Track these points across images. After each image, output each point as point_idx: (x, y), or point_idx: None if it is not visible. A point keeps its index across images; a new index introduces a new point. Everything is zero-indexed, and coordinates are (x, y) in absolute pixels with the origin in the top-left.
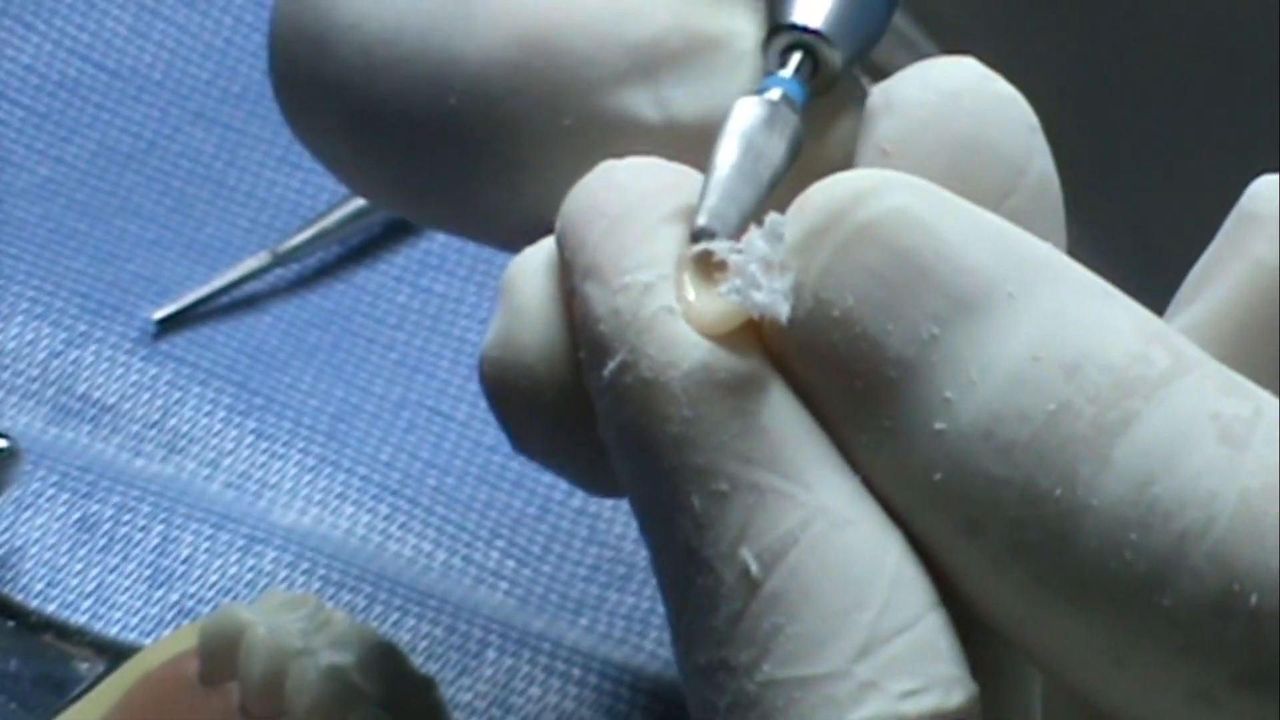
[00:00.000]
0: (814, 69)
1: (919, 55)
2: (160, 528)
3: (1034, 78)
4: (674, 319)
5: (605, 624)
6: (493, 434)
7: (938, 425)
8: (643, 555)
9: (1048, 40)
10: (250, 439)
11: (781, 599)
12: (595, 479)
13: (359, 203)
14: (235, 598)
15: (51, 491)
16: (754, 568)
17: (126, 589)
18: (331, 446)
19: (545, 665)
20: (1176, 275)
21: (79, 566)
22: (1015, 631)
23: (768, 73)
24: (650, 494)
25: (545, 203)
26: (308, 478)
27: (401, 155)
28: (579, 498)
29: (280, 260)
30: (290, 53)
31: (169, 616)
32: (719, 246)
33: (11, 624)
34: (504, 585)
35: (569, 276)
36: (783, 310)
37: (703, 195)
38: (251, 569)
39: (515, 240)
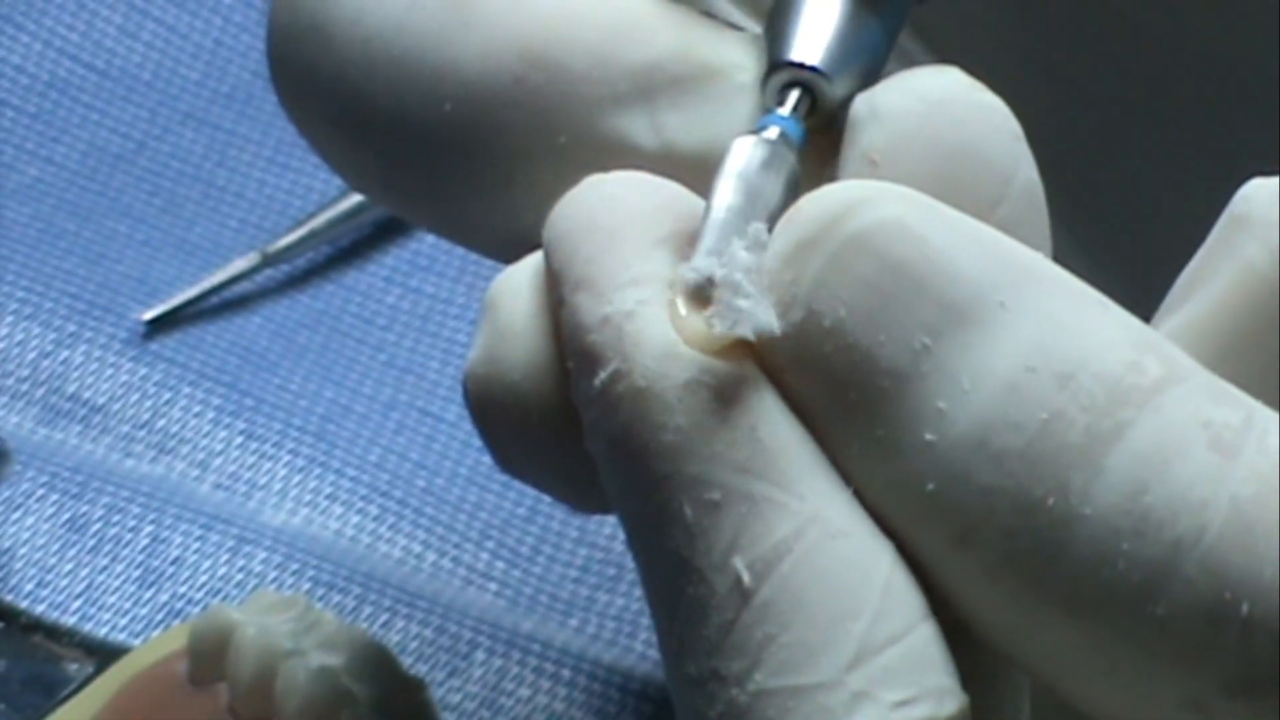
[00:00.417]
0: (812, 106)
1: (910, 62)
2: (150, 528)
3: (1023, 85)
4: (668, 328)
5: (595, 625)
6: None
7: (930, 435)
8: None
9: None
10: (240, 440)
11: (774, 608)
12: (580, 495)
13: (349, 203)
14: (225, 598)
15: (41, 492)
16: (746, 577)
17: (116, 589)
18: (321, 447)
19: (535, 666)
20: (1164, 281)
21: (68, 567)
22: (1007, 641)
23: (766, 110)
24: (640, 504)
25: (532, 217)
26: (297, 478)
27: (392, 154)
28: None
29: (270, 261)
30: (289, 40)
31: (159, 617)
32: (703, 265)
33: (1, 625)
34: (493, 586)
35: (557, 287)
36: (765, 326)
37: (700, 237)
38: (241, 570)
39: (499, 250)
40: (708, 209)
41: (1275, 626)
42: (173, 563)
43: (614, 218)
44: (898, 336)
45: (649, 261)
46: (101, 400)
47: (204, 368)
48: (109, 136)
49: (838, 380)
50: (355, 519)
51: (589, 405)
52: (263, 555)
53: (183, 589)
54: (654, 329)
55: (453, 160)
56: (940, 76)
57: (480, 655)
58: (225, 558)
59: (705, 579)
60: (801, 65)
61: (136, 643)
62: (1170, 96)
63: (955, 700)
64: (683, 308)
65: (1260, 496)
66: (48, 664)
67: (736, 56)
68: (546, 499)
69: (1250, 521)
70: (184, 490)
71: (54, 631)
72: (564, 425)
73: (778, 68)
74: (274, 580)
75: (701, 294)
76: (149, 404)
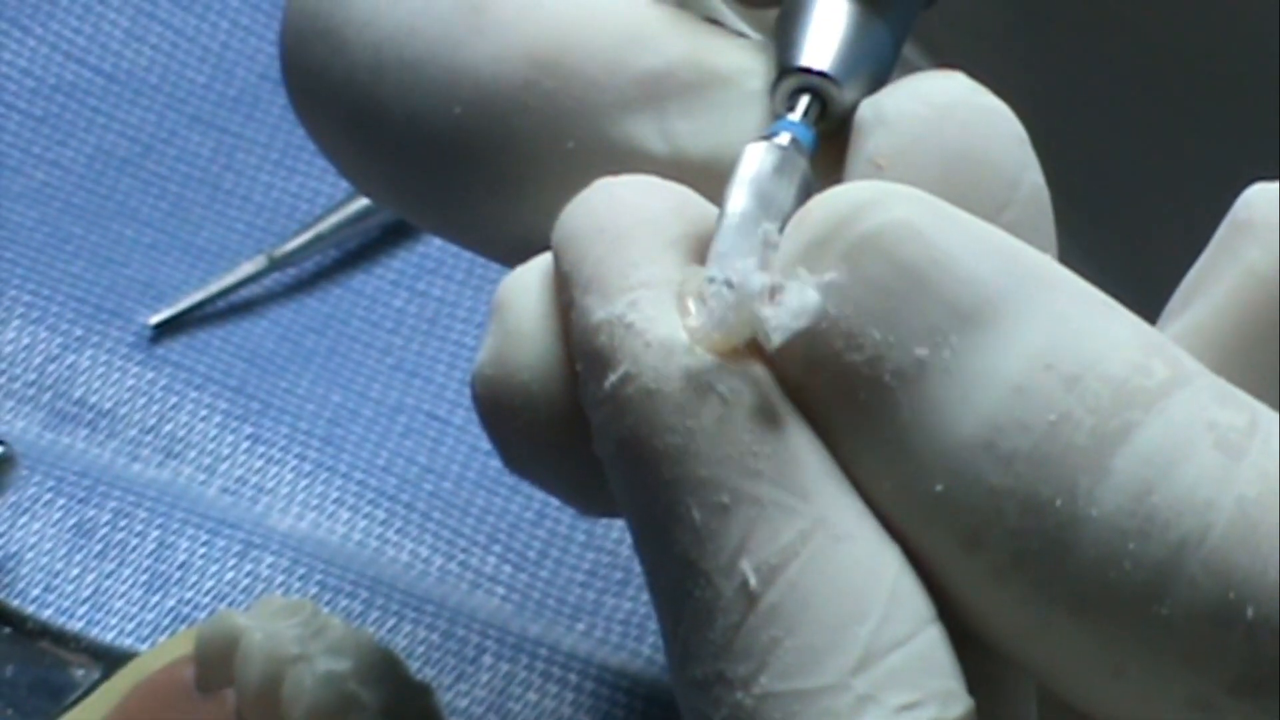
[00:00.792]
0: (822, 111)
1: (912, 69)
2: (157, 533)
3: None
4: (677, 331)
5: (603, 629)
6: None
7: (939, 436)
8: None
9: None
10: (247, 444)
11: (780, 612)
12: (588, 497)
13: (356, 207)
14: (232, 603)
15: (48, 497)
16: (753, 580)
17: (123, 594)
18: (328, 451)
19: (542, 670)
20: (1167, 286)
21: (75, 572)
22: (1013, 644)
23: (776, 116)
24: (648, 507)
25: (540, 222)
26: (304, 483)
27: (402, 158)
28: None
29: (277, 264)
30: (301, 43)
31: (165, 622)
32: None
33: (8, 630)
34: (501, 590)
35: (567, 289)
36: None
37: (714, 243)
38: (248, 574)
39: (508, 255)
40: (721, 214)
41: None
42: (180, 567)
43: (623, 220)
44: (906, 338)
45: (658, 264)
46: (108, 405)
47: (211, 372)
48: (115, 140)
49: (847, 382)
50: (362, 523)
51: (598, 407)
52: (270, 560)
53: (190, 594)
54: (664, 331)
55: (462, 165)
56: (945, 81)
57: (487, 659)
58: (232, 562)
59: (712, 582)
60: (811, 71)
61: (143, 648)
62: (1172, 101)
63: (961, 704)
64: (693, 310)
65: (1265, 497)
66: (54, 669)
67: (746, 63)
68: (554, 503)
69: (1255, 522)
70: (191, 494)
71: (61, 637)
72: (572, 427)
73: (787, 73)
74: (281, 585)
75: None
76: (156, 408)
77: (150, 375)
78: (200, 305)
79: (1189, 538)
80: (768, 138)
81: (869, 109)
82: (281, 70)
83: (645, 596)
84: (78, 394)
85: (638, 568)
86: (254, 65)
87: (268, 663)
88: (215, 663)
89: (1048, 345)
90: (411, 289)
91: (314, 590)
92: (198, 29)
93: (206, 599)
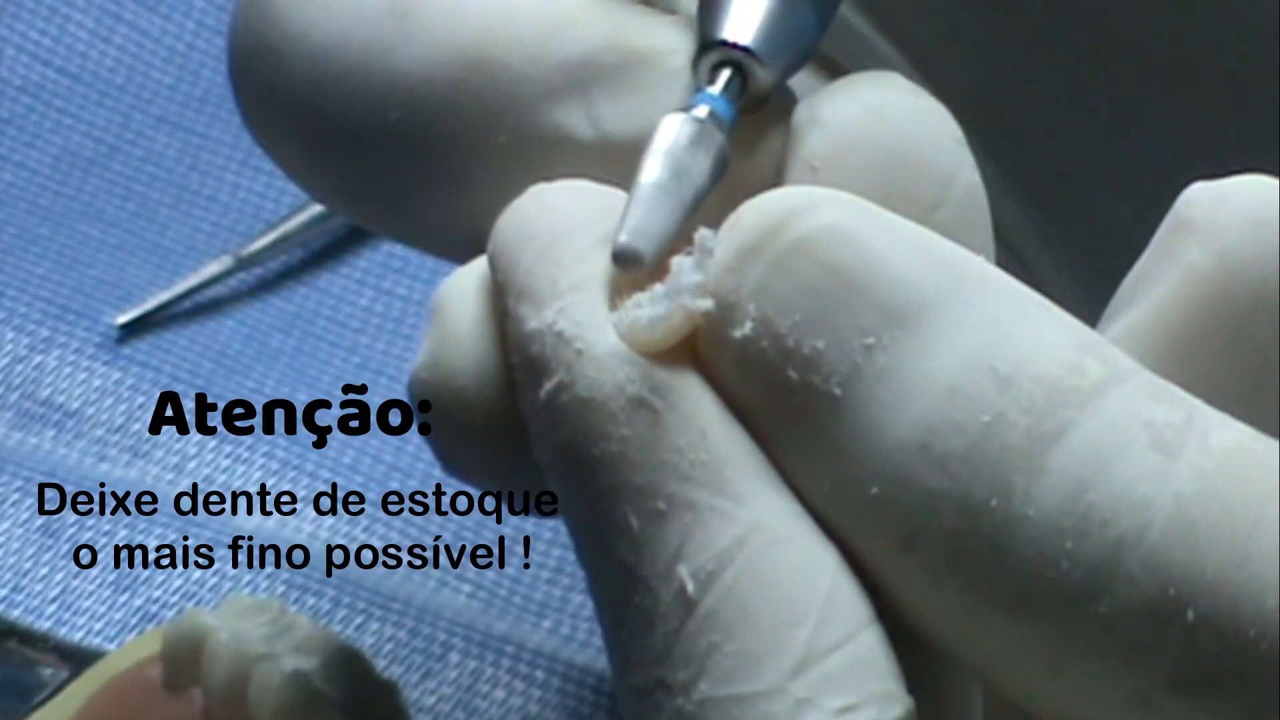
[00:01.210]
0: (743, 86)
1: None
2: (124, 533)
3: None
4: (610, 338)
5: (569, 626)
6: None
7: (873, 439)
8: None
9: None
10: (213, 443)
11: (718, 617)
12: (527, 500)
13: (321, 207)
14: (199, 603)
15: (15, 497)
16: (690, 586)
17: (90, 594)
18: (294, 450)
19: (509, 668)
20: (1120, 275)
21: (43, 572)
22: (953, 644)
23: (697, 89)
24: (587, 514)
25: (483, 219)
26: (271, 481)
27: (348, 165)
28: None
29: (243, 264)
30: (246, 60)
31: (133, 621)
32: (625, 239)
33: None
34: (467, 588)
35: (502, 298)
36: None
37: (625, 213)
38: (215, 573)
39: (459, 253)
40: (634, 185)
41: (1219, 623)
42: (147, 567)
43: (551, 225)
44: (839, 341)
45: (586, 264)
46: (75, 405)
47: (177, 371)
48: (81, 141)
49: (781, 386)
50: (329, 521)
51: (535, 416)
52: (236, 559)
53: (157, 593)
54: (595, 338)
55: (405, 169)
56: (881, 82)
57: (454, 657)
58: (199, 562)
59: (651, 589)
60: (733, 45)
61: (111, 647)
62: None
63: (900, 705)
64: (624, 307)
65: (1202, 495)
66: (22, 669)
67: (669, 41)
68: None
69: (1193, 519)
70: (158, 494)
71: (28, 636)
72: (509, 431)
73: (709, 48)
74: (248, 584)
75: (631, 271)
76: (123, 408)
77: (117, 375)
78: (166, 305)
79: (1127, 536)
80: (686, 110)
81: (805, 111)
82: (232, 88)
83: None
84: (44, 394)
85: None
86: (219, 65)
87: (234, 662)
88: (182, 662)
89: (980, 346)
90: (377, 288)
91: (281, 589)
92: (163, 30)
93: (174, 598)
